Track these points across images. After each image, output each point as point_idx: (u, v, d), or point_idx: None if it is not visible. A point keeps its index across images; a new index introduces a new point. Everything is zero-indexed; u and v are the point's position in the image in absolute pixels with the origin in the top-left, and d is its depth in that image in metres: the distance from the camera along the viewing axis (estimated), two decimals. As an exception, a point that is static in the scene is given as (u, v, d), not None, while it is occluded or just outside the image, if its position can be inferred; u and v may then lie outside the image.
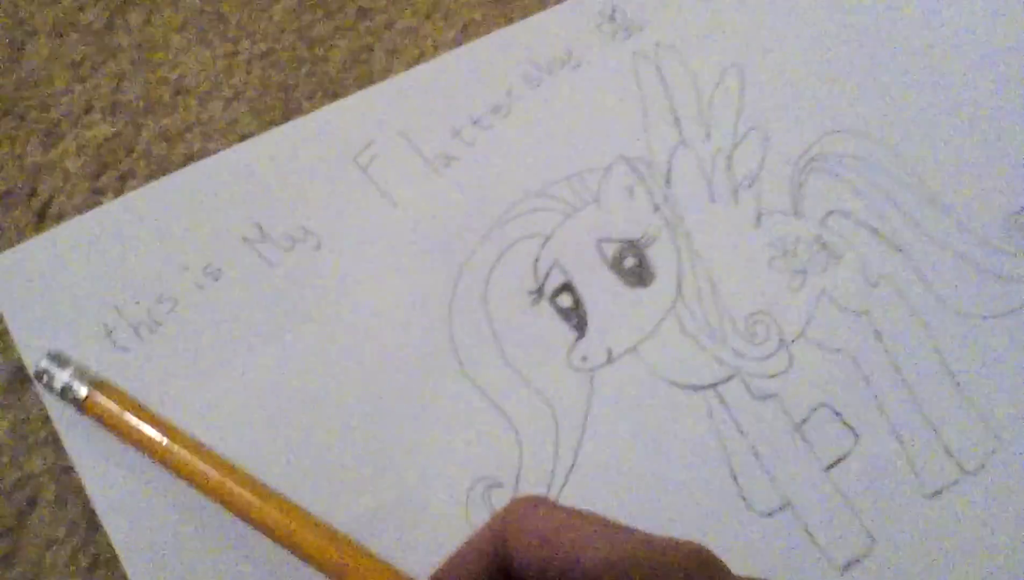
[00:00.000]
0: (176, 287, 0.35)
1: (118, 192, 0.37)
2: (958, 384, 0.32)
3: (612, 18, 0.39)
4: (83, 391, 0.32)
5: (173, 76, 0.40)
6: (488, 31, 0.40)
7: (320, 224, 0.36)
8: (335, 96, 0.39)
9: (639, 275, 0.35)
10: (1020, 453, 0.31)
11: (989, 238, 0.34)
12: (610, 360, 0.33)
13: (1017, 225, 0.35)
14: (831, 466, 0.32)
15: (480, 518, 0.32)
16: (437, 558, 0.28)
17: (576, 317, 0.34)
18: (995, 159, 0.35)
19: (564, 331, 0.34)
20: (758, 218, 0.35)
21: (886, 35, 0.38)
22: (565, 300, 0.34)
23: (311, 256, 0.36)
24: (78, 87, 0.39)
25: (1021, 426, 0.32)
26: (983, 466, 0.32)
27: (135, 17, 0.40)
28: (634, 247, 0.35)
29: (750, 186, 0.36)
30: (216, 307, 0.35)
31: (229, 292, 0.35)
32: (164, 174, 0.38)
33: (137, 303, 0.34)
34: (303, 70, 0.40)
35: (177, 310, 0.35)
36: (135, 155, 0.38)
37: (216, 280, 0.35)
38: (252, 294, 0.35)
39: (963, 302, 0.33)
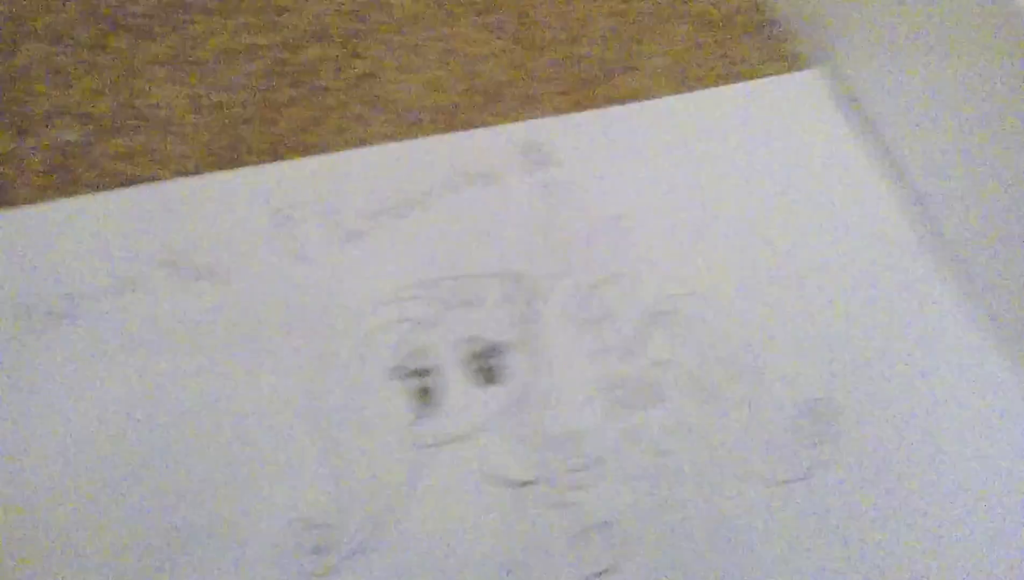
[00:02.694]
0: (86, 288, 0.40)
1: (64, 194, 0.42)
2: (721, 533, 0.38)
3: (533, 150, 0.45)
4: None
5: (142, 103, 0.45)
6: (426, 134, 0.46)
7: (230, 264, 0.41)
8: (277, 156, 0.44)
9: (491, 375, 0.40)
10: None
11: (785, 415, 0.40)
12: (443, 444, 0.38)
13: (810, 411, 0.40)
14: (596, 576, 0.37)
15: (290, 550, 0.36)
16: (243, 577, 0.33)
17: (426, 400, 0.39)
18: (805, 344, 0.41)
19: (412, 409, 0.39)
20: (602, 351, 0.41)
21: (749, 211, 0.44)
22: (421, 382, 0.39)
23: (218, 290, 0.41)
24: (56, 92, 0.44)
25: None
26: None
27: (122, 41, 0.46)
28: (494, 350, 0.40)
29: (604, 322, 0.41)
30: (122, 315, 0.40)
31: (137, 306, 0.40)
32: (111, 188, 0.43)
33: (55, 295, 0.39)
34: (255, 126, 0.45)
35: (82, 308, 0.40)
36: (89, 164, 0.43)
37: (129, 292, 0.40)
38: (157, 312, 0.40)
39: (748, 465, 0.39)
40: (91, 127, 0.44)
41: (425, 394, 0.39)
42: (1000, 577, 0.37)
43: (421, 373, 0.40)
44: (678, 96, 0.47)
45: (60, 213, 0.41)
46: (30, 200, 0.42)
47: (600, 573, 0.36)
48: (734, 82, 0.47)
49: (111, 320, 0.40)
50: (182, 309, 0.40)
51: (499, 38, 0.49)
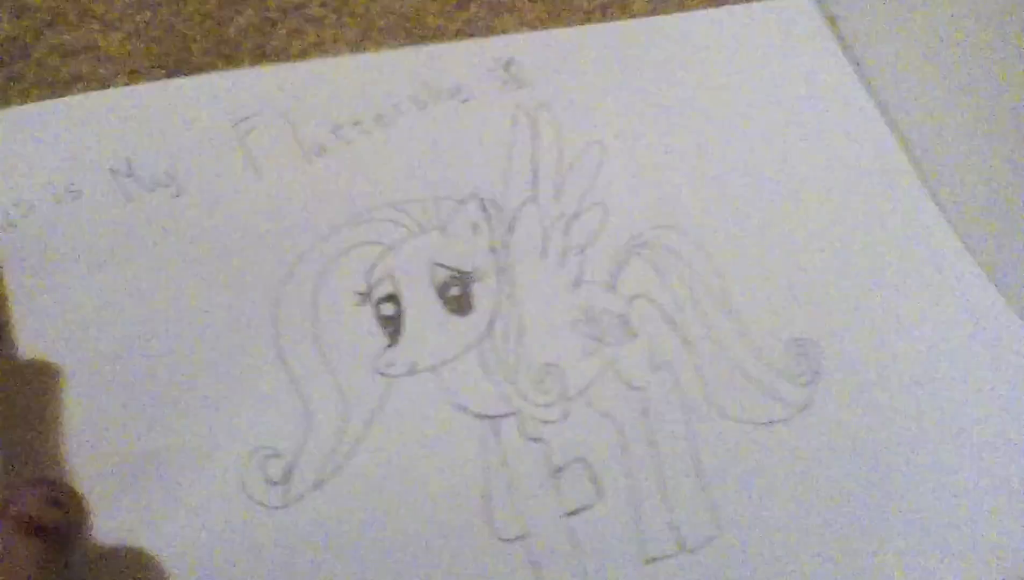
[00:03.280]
0: (35, 196, 0.37)
1: (1, 93, 0.39)
2: (699, 472, 0.37)
3: (507, 68, 0.43)
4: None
5: (85, -3, 0.41)
6: (389, 42, 0.43)
7: (185, 175, 0.38)
8: (228, 60, 0.41)
9: (459, 304, 0.38)
10: (733, 545, 0.36)
11: (767, 354, 0.39)
12: (411, 373, 0.37)
13: (793, 351, 0.39)
14: (572, 513, 0.36)
15: (252, 479, 0.34)
16: (203, 503, 0.31)
17: (393, 327, 0.37)
18: (788, 282, 0.40)
19: (379, 336, 0.37)
20: (576, 283, 0.39)
21: (732, 140, 0.42)
22: (388, 309, 0.38)
23: (168, 202, 0.38)
24: (-10, -18, 0.40)
25: (739, 522, 0.36)
26: (699, 548, 0.36)
27: (62, -70, 0.42)
28: (463, 278, 0.39)
29: (579, 254, 0.39)
30: (68, 224, 0.37)
31: (83, 214, 0.37)
32: (51, 87, 0.39)
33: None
34: (206, 26, 0.42)
35: (31, 217, 0.37)
36: (28, 62, 0.40)
37: (75, 200, 0.37)
38: (104, 221, 0.37)
39: (727, 404, 0.38)
40: (28, 21, 0.40)
41: (393, 321, 0.37)
42: (991, 511, 0.36)
43: (388, 299, 0.38)
44: (660, 17, 0.45)
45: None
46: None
47: (576, 510, 0.35)
48: (720, 4, 0.45)
49: (55, 231, 0.37)
50: (132, 221, 0.38)
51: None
